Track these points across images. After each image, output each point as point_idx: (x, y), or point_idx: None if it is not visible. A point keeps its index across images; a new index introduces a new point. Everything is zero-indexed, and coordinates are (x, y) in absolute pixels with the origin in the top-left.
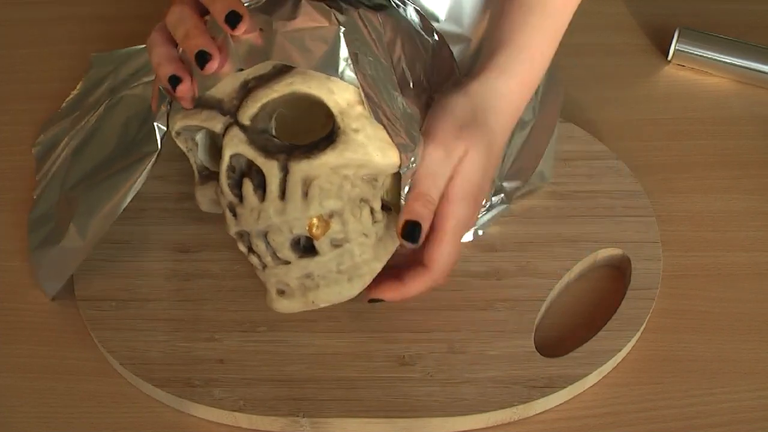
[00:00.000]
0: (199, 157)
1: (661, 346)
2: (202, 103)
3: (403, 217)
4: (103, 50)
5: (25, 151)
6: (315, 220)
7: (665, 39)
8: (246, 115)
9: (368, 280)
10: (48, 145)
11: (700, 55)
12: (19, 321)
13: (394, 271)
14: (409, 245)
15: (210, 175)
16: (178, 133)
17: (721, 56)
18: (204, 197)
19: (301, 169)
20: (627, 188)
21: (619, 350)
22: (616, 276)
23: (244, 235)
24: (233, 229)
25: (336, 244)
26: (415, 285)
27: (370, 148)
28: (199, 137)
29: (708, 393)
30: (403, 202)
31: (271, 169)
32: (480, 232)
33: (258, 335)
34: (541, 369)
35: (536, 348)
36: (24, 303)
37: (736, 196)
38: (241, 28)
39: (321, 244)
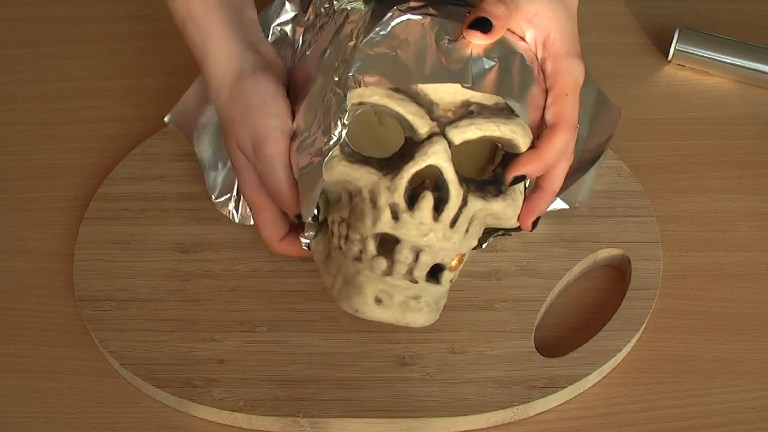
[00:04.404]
0: (346, 133)
1: (661, 346)
2: (411, 95)
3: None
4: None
5: (25, 151)
6: (460, 255)
7: (665, 39)
8: (461, 137)
9: (440, 313)
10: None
11: (700, 55)
12: (19, 321)
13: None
14: (479, 34)
15: (353, 155)
16: (361, 103)
17: (721, 56)
18: (345, 173)
19: (475, 206)
20: (627, 188)
21: (619, 350)
22: (616, 276)
23: (378, 236)
24: (384, 229)
25: (451, 279)
26: (551, 145)
27: (518, 211)
28: (358, 113)
29: (708, 393)
30: None
31: (458, 196)
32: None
33: (258, 335)
34: (541, 369)
35: (536, 348)
36: (24, 303)
37: (736, 196)
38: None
39: (447, 276)
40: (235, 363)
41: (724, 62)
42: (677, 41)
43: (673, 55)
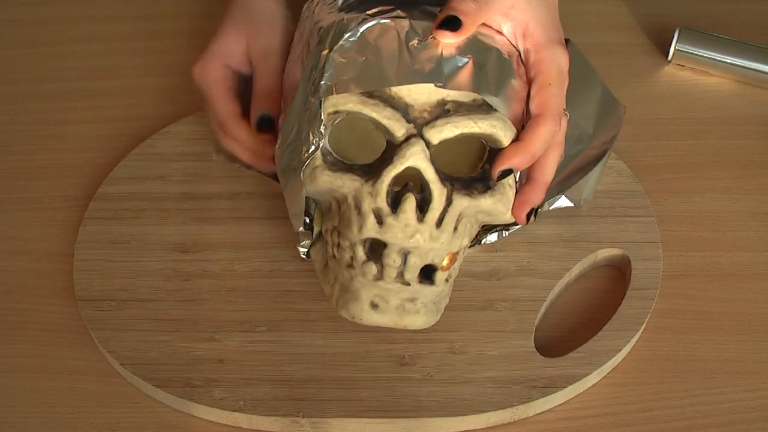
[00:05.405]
0: (327, 141)
1: (661, 346)
2: (385, 99)
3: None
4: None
5: (25, 151)
6: (451, 254)
7: (665, 39)
8: (439, 136)
9: (440, 314)
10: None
11: (700, 55)
12: (19, 321)
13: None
14: (448, 33)
15: (336, 163)
16: (337, 112)
17: (721, 56)
18: (329, 182)
19: (461, 204)
20: (627, 188)
21: (619, 350)
22: (616, 276)
23: (367, 242)
24: (370, 234)
25: (446, 279)
26: (535, 136)
27: (510, 205)
28: (337, 122)
29: (708, 393)
30: None
31: (441, 196)
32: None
33: (258, 335)
34: (541, 369)
35: (536, 348)
36: (24, 303)
37: (736, 196)
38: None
39: (441, 276)
40: (235, 363)
41: (724, 62)
42: (677, 41)
43: (673, 55)
